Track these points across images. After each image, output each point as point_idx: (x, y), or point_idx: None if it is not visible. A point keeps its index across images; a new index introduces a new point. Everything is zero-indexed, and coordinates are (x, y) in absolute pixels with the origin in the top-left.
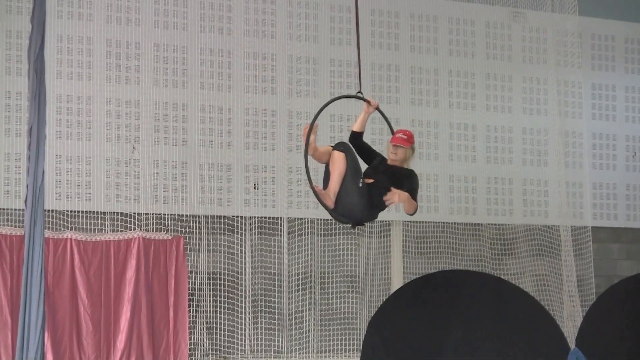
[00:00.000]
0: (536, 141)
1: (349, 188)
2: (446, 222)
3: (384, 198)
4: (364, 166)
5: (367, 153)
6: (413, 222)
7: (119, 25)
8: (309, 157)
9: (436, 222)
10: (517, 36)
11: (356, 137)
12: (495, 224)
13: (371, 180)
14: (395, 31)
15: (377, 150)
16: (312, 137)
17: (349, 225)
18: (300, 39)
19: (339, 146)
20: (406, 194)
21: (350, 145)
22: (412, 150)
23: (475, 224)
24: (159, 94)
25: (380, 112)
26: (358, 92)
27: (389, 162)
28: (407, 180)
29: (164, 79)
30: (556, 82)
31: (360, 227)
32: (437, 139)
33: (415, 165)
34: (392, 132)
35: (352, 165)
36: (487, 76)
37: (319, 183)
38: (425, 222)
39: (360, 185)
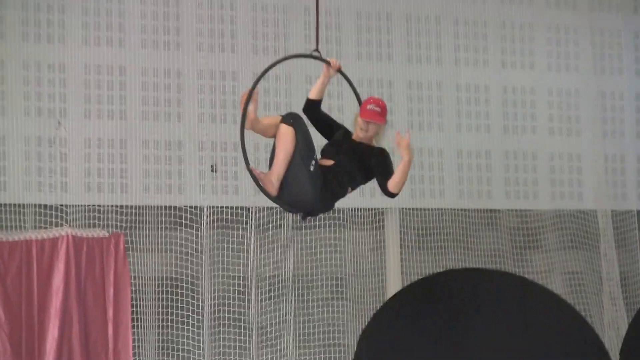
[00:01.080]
0: (565, 105)
1: (297, 171)
2: (454, 209)
3: (396, 141)
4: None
5: (326, 125)
6: (413, 209)
7: None
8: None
9: (442, 209)
10: None
11: (312, 106)
12: (516, 210)
13: (330, 162)
14: None
15: (340, 122)
16: (250, 107)
17: (333, 215)
18: None
19: (288, 118)
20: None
21: (302, 117)
22: (385, 125)
23: (491, 210)
24: (89, 54)
25: (344, 74)
26: (314, 50)
27: (354, 137)
28: (377, 162)
29: (96, 36)
30: (589, 31)
31: (343, 217)
32: (440, 104)
33: (415, 137)
34: (359, 100)
35: (303, 143)
36: (503, 24)
37: (263, 164)
38: (428, 209)
39: (312, 168)
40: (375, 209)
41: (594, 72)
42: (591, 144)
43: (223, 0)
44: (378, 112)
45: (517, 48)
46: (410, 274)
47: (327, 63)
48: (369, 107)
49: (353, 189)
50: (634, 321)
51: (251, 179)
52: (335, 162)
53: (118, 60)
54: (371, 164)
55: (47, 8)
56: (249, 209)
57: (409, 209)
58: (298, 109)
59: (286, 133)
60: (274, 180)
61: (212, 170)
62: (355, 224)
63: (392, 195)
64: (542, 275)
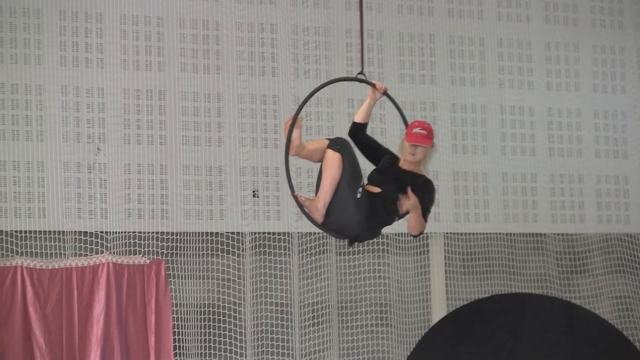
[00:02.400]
0: (612, 127)
1: (343, 198)
2: (500, 233)
3: (400, 202)
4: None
5: (372, 149)
6: (458, 234)
7: None
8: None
9: (487, 234)
10: None
11: (358, 129)
12: (562, 234)
13: (377, 190)
14: None
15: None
16: (295, 133)
17: (377, 241)
18: (307, 3)
19: (335, 144)
20: (414, 201)
21: (349, 142)
22: (433, 148)
23: (536, 234)
24: (128, 78)
25: (390, 97)
26: (359, 74)
27: (401, 164)
28: (421, 193)
29: (134, 60)
30: (636, 51)
31: (388, 242)
32: (485, 127)
33: (459, 161)
34: (406, 123)
35: (349, 169)
36: (547, 45)
37: (305, 189)
38: (473, 233)
39: (359, 195)
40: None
41: None
42: (638, 166)
43: (263, 23)
44: (424, 135)
45: (562, 69)
46: (455, 299)
47: (373, 86)
48: (415, 130)
49: (400, 217)
50: None
51: (295, 204)
52: (382, 190)
53: (158, 85)
54: (416, 195)
55: (86, 32)
56: (291, 234)
57: (454, 233)
58: (340, 132)
59: (333, 159)
60: (319, 207)
61: (254, 196)
62: (399, 249)
63: (412, 235)
64: (589, 300)
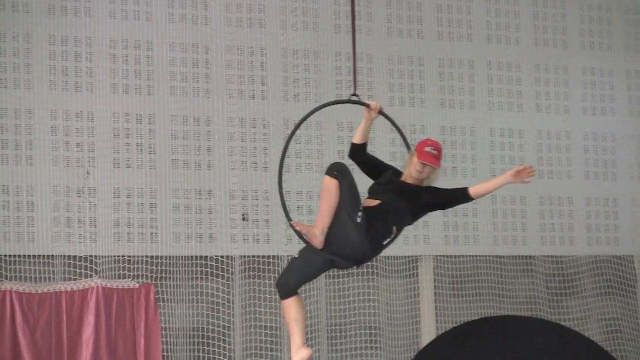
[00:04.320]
0: (601, 149)
1: (343, 224)
2: (489, 256)
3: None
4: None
5: (374, 167)
6: (447, 257)
7: (63, 17)
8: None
9: (476, 256)
10: (574, 16)
11: (357, 150)
12: (551, 256)
13: (376, 202)
14: (417, 13)
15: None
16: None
17: (367, 265)
18: (296, 27)
19: (332, 170)
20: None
21: (346, 167)
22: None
23: (526, 256)
24: (117, 102)
25: (386, 116)
26: (352, 95)
27: (404, 177)
28: (428, 194)
29: (124, 84)
30: (625, 73)
31: (377, 265)
32: (474, 149)
33: (448, 183)
34: (406, 142)
35: (348, 194)
36: (537, 67)
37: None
38: (463, 256)
39: (359, 220)
40: (409, 257)
41: (630, 115)
42: (628, 188)
43: (253, 47)
44: (435, 156)
45: (551, 91)
46: (445, 322)
47: (367, 106)
48: (427, 149)
49: (399, 228)
50: None
51: (285, 227)
52: (382, 201)
53: (147, 108)
54: (422, 199)
55: (75, 56)
56: (280, 257)
57: (443, 256)
58: (329, 154)
59: (330, 185)
60: (318, 233)
61: (243, 219)
62: (388, 271)
63: (471, 198)
64: (579, 322)
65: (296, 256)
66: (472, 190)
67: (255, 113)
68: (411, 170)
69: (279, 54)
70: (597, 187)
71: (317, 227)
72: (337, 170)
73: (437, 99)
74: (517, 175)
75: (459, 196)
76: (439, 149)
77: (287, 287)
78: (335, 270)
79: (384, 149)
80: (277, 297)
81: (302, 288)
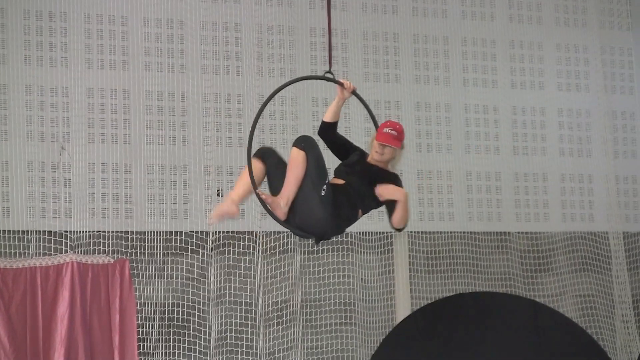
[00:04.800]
0: (576, 125)
1: (308, 195)
2: (464, 232)
3: (377, 192)
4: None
5: (342, 148)
6: (422, 233)
7: None
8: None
9: (451, 233)
10: None
11: (327, 128)
12: (526, 233)
13: (341, 182)
14: None
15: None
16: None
17: (341, 239)
18: (271, 2)
19: (299, 142)
20: (405, 192)
21: (314, 140)
22: (402, 149)
23: (501, 233)
24: (92, 77)
25: (358, 96)
26: (327, 72)
27: (369, 159)
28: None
29: (99, 59)
30: (600, 50)
31: (352, 241)
32: (449, 125)
33: (423, 159)
34: (375, 123)
35: (314, 166)
36: (512, 44)
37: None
38: (437, 232)
39: (323, 193)
40: (383, 233)
41: (604, 92)
42: (602, 164)
43: (228, 22)
44: (394, 136)
45: (526, 68)
46: (420, 298)
47: (341, 85)
48: (385, 130)
49: (364, 212)
50: None
51: (258, 203)
52: (346, 182)
53: (122, 84)
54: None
55: (50, 31)
56: (255, 233)
57: (418, 232)
58: (304, 130)
59: (297, 157)
60: (282, 204)
61: (218, 195)
62: (363, 247)
63: (396, 230)
64: (553, 299)
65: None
66: (395, 222)
67: (230, 89)
68: (373, 153)
69: (253, 30)
70: (571, 163)
71: (282, 197)
72: (304, 143)
73: (412, 75)
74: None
75: (389, 218)
76: (398, 130)
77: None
78: (310, 246)
79: (359, 124)
80: (252, 272)
81: (275, 265)
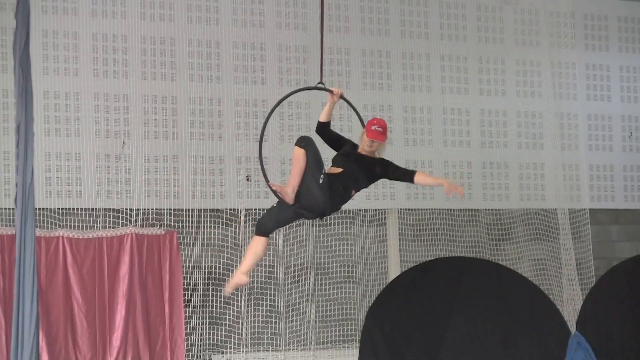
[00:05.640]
0: (531, 124)
1: (309, 184)
2: (442, 209)
3: (416, 180)
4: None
5: (337, 141)
6: (409, 210)
7: (104, 19)
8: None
9: (432, 209)
10: (509, 18)
11: (322, 127)
12: (491, 209)
13: (339, 170)
14: (385, 17)
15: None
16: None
17: (344, 215)
18: (289, 27)
19: (300, 141)
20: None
21: (311, 140)
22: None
23: (471, 209)
24: (147, 87)
25: (346, 100)
26: (319, 83)
27: (360, 150)
28: (385, 167)
29: (152, 72)
30: (550, 64)
31: (353, 216)
32: (430, 124)
33: (410, 151)
34: (361, 121)
35: (313, 160)
36: (480, 60)
37: (278, 175)
38: (421, 209)
39: (321, 181)
40: (378, 210)
41: (554, 98)
42: (552, 155)
43: (254, 42)
44: (380, 132)
45: (492, 79)
46: (407, 261)
47: (330, 92)
48: (373, 127)
49: (356, 191)
50: (587, 299)
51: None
52: (344, 170)
53: (171, 92)
54: (376, 171)
55: (113, 49)
56: None
57: (406, 209)
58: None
59: (299, 153)
60: (289, 191)
61: (247, 180)
62: (362, 221)
63: (413, 182)
64: (514, 262)
65: (274, 205)
66: (417, 178)
67: (256, 95)
68: (363, 146)
69: (275, 49)
70: (527, 154)
71: (289, 186)
72: (303, 142)
73: (401, 84)
74: (451, 186)
75: (406, 178)
76: (383, 126)
77: (265, 227)
78: (320, 219)
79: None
80: (274, 241)
81: (293, 235)
